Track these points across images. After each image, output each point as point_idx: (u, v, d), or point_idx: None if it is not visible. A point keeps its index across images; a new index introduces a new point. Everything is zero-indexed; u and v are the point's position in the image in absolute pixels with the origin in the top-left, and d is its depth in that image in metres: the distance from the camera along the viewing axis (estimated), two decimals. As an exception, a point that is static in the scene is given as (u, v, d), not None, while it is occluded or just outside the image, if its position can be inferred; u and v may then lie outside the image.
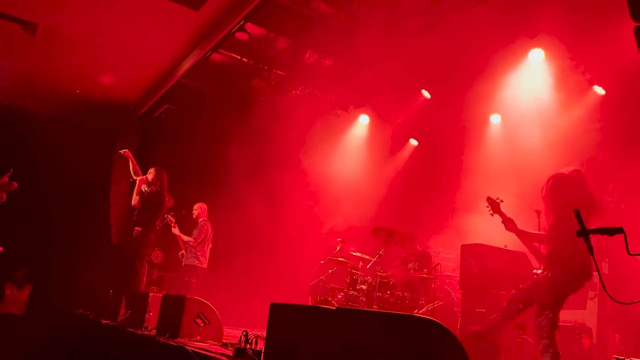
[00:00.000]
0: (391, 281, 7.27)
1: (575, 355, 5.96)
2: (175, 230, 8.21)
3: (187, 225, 8.62)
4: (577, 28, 6.27)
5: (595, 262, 2.50)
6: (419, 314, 6.74)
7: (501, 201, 5.21)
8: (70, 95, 10.10)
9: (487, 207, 5.22)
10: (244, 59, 8.83)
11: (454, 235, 8.37)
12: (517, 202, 7.11)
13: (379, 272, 7.18)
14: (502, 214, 5.13)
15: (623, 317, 6.30)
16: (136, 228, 7.12)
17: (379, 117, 10.04)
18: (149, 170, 7.52)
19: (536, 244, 4.87)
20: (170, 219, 8.20)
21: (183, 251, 8.35)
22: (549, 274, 4.50)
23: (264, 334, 3.70)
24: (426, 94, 9.11)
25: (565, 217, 4.46)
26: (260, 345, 4.13)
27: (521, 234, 4.96)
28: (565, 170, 4.79)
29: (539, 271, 4.75)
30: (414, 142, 10.50)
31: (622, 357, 2.75)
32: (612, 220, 7.18)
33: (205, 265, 8.25)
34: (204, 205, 8.56)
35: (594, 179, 7.56)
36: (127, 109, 10.77)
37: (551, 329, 4.28)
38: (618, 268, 6.54)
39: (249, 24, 7.49)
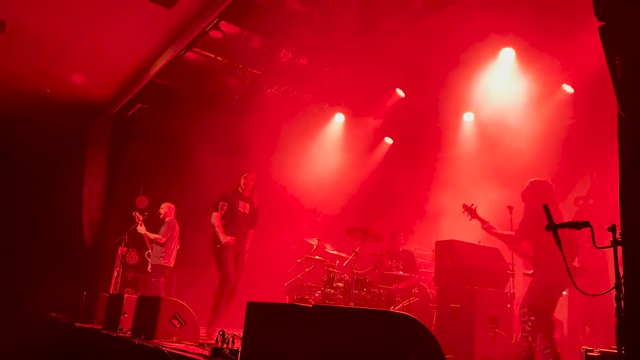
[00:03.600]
0: (367, 278, 7.33)
1: (547, 348, 6.09)
2: (141, 229, 8.04)
3: (156, 224, 8.50)
4: (546, 27, 6.41)
5: (564, 256, 2.56)
6: (395, 310, 6.81)
7: (476, 207, 5.46)
8: (41, 95, 9.89)
9: (464, 213, 5.55)
10: (218, 58, 8.76)
11: (428, 232, 8.48)
12: (490, 198, 7.26)
13: (356, 269, 7.23)
14: (480, 219, 5.41)
15: (593, 310, 6.46)
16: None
17: (355, 116, 10.09)
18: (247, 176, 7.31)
19: (523, 246, 5.13)
20: (137, 216, 8.05)
21: (149, 251, 8.24)
22: (536, 277, 4.72)
23: (241, 333, 3.70)
24: (400, 92, 9.20)
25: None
26: (238, 345, 4.13)
27: (500, 237, 5.24)
28: (539, 178, 5.21)
29: (530, 272, 5.00)
30: (389, 140, 10.58)
31: (591, 348, 2.83)
32: (582, 215, 7.37)
33: (171, 265, 8.15)
34: (172, 205, 8.45)
35: (563, 175, 7.78)
36: (99, 108, 10.59)
37: (535, 331, 4.54)
38: (587, 262, 6.71)
39: (223, 22, 7.43)
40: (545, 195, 4.94)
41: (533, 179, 5.25)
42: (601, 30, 2.32)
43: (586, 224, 2.43)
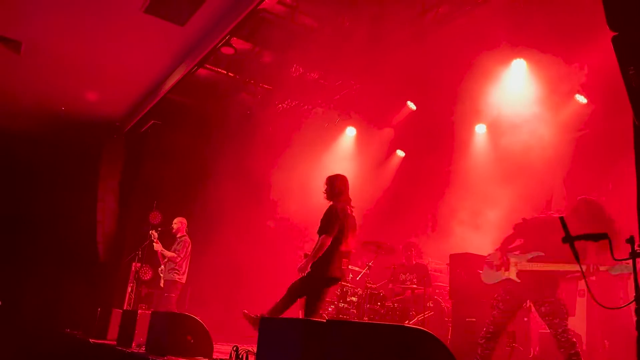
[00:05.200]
0: (381, 292, 7.27)
1: (565, 362, 5.98)
2: (157, 247, 8.04)
3: (169, 239, 8.50)
4: (558, 37, 6.38)
5: (582, 269, 2.52)
6: (410, 324, 6.74)
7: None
8: (56, 113, 10.04)
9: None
10: (230, 74, 8.86)
11: (442, 245, 8.40)
12: (503, 209, 7.19)
13: (369, 283, 7.18)
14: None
15: (611, 323, 6.34)
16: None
17: (366, 129, 10.10)
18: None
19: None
20: (153, 234, 8.09)
21: (162, 267, 8.25)
22: None
23: (255, 348, 3.68)
24: (412, 105, 9.20)
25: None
26: (251, 360, 4.11)
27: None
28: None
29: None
30: (400, 153, 10.56)
31: (611, 362, 2.77)
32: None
33: (184, 281, 8.13)
34: (184, 220, 8.40)
35: (578, 187, 7.70)
36: (113, 125, 10.73)
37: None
38: (604, 274, 6.59)
39: (235, 38, 7.52)
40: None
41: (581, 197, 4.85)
42: (614, 40, 2.31)
43: (604, 236, 2.39)
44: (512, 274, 4.63)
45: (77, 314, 8.70)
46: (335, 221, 5.33)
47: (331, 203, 5.55)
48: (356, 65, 8.12)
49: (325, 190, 5.68)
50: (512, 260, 4.68)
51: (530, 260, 4.54)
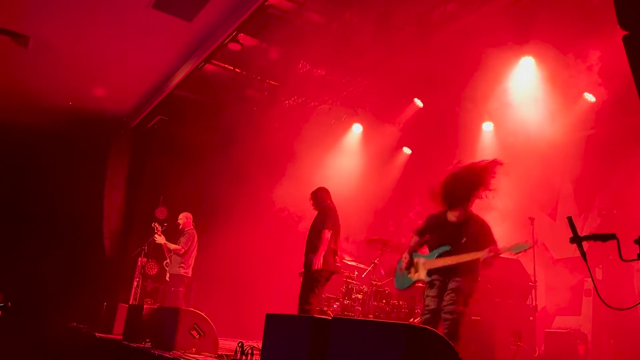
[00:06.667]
0: (386, 290, 7.26)
1: (571, 362, 5.97)
2: (160, 239, 8.02)
3: (175, 235, 8.52)
4: (566, 35, 6.34)
5: (589, 268, 2.51)
6: (415, 322, 6.73)
7: None
8: (63, 108, 10.07)
9: None
10: (236, 70, 8.86)
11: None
12: (509, 208, 7.16)
13: (374, 281, 7.18)
14: None
15: (618, 323, 6.32)
16: (309, 255, 6.01)
17: (373, 126, 10.07)
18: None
19: None
20: (156, 227, 8.09)
21: (168, 260, 8.26)
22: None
23: (260, 345, 3.69)
24: (419, 102, 9.16)
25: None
26: (256, 357, 4.12)
27: None
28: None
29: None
30: (407, 150, 10.53)
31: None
32: (606, 226, 7.22)
33: (190, 274, 8.13)
34: (189, 215, 8.42)
35: (586, 185, 7.65)
36: (120, 120, 10.75)
37: None
38: (612, 274, 6.57)
39: (242, 34, 7.52)
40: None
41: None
42: (625, 39, 2.28)
43: (612, 236, 2.37)
44: (422, 274, 4.53)
45: (83, 309, 8.74)
46: (331, 215, 6.03)
47: (323, 205, 6.21)
48: (363, 62, 8.09)
49: (312, 204, 6.36)
50: (420, 260, 4.62)
51: (438, 257, 4.47)
